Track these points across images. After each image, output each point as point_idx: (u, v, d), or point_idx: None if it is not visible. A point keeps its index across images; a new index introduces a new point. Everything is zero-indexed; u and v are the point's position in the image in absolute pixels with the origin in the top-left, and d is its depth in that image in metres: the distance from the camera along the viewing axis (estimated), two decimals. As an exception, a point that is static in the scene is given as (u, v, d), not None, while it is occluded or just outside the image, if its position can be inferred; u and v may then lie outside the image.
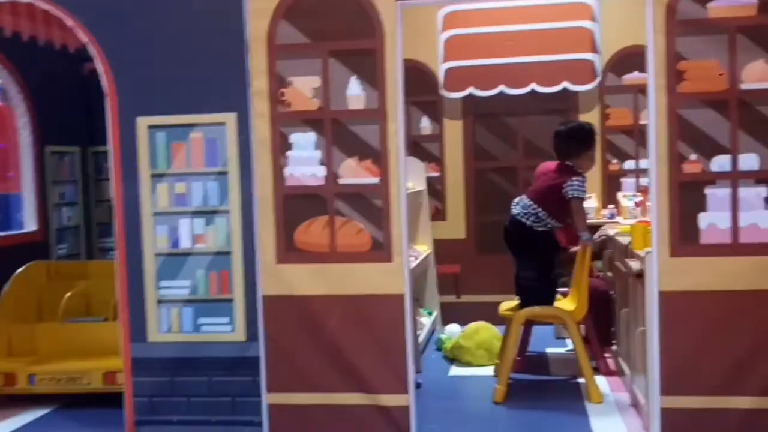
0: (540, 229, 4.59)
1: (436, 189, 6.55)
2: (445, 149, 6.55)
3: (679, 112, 3.54)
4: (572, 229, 4.65)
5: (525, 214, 4.61)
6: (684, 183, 3.56)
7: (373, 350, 3.78)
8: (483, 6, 5.94)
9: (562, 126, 4.74)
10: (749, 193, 3.54)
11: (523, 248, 4.70)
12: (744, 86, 3.51)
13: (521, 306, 4.67)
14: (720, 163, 3.56)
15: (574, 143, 4.62)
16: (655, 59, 3.54)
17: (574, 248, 4.76)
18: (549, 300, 4.61)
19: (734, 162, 3.54)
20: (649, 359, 3.68)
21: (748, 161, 3.53)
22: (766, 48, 3.49)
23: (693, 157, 3.56)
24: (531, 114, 6.48)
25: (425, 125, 6.61)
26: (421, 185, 6.13)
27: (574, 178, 4.49)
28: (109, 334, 4.48)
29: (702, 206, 3.57)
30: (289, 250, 3.83)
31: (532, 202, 4.60)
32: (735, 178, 3.54)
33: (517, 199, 4.74)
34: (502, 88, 6.10)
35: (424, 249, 6.19)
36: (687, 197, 3.56)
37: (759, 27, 3.48)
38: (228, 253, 3.93)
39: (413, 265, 5.43)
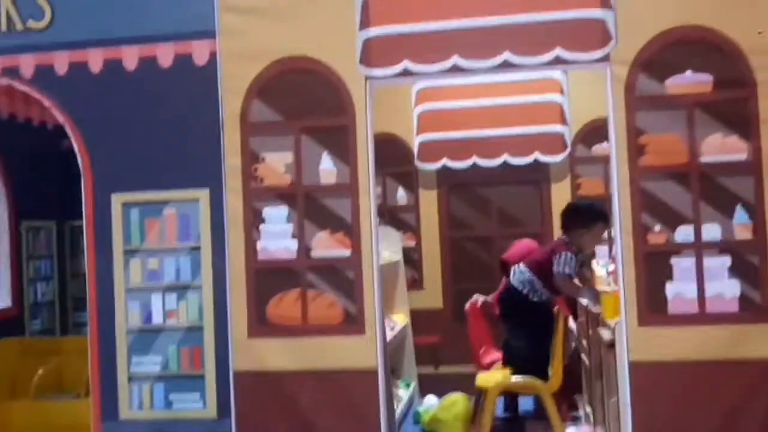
0: (535, 299, 4.68)
1: (412, 258, 6.59)
2: (421, 219, 6.62)
3: (642, 185, 3.63)
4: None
5: (522, 282, 4.70)
6: (649, 253, 3.62)
7: (348, 426, 3.76)
8: (454, 82, 6.08)
9: (576, 201, 4.84)
10: (714, 262, 3.60)
11: (517, 317, 4.76)
12: (704, 159, 3.61)
13: (513, 374, 4.66)
14: (684, 233, 3.62)
15: (572, 218, 4.70)
16: (616, 134, 3.64)
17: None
18: (542, 371, 4.58)
19: (697, 232, 3.61)
20: (623, 430, 3.68)
21: (711, 231, 3.60)
22: (723, 122, 3.60)
23: (657, 227, 3.63)
24: (504, 184, 6.58)
25: (401, 196, 6.69)
26: (397, 255, 6.16)
27: (562, 252, 4.57)
28: (81, 411, 4.41)
29: (668, 276, 3.62)
30: (261, 324, 3.83)
31: (529, 272, 4.69)
32: (699, 248, 3.61)
33: (514, 267, 4.81)
34: (475, 159, 6.22)
35: (401, 319, 6.17)
36: (653, 267, 3.62)
37: (715, 103, 3.59)
38: (200, 329, 3.94)
39: (390, 336, 5.42)
